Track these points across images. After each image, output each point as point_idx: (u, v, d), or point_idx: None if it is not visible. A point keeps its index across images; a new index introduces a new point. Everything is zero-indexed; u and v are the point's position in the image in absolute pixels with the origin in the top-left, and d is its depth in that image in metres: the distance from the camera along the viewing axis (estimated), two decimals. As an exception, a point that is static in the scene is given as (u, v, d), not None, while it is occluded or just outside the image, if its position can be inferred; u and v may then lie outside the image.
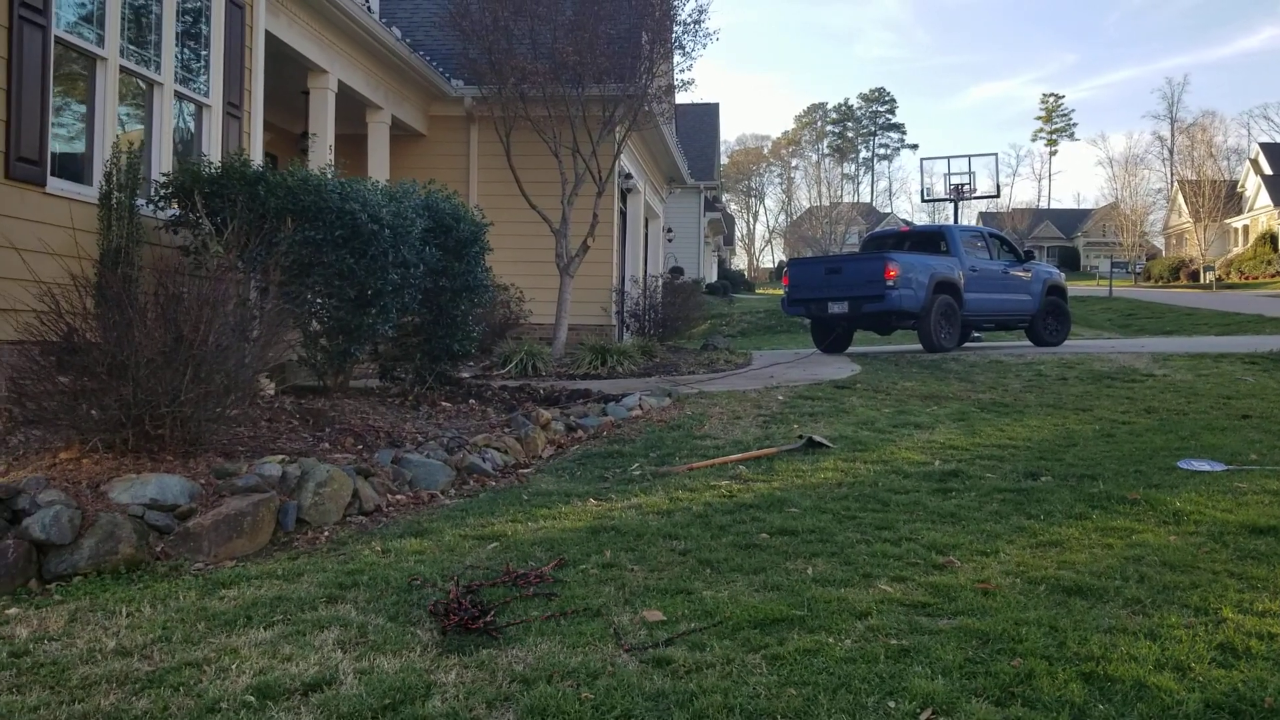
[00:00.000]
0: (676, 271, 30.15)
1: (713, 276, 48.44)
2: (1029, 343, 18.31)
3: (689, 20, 15.36)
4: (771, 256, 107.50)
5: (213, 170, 7.73)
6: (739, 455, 7.44)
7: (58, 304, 5.48)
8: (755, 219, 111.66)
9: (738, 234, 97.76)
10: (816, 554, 5.03)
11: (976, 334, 19.38)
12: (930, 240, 17.31)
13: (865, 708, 3.30)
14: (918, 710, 3.27)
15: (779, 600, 4.32)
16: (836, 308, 15.81)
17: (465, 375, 10.95)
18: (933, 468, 7.06)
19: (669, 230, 30.46)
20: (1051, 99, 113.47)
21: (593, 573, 4.79)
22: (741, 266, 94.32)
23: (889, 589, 4.48)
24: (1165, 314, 29.47)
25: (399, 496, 6.32)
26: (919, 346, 16.74)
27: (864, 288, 15.31)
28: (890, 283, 14.97)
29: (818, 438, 7.87)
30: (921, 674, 3.53)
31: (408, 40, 14.59)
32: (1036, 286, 17.59)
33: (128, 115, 8.23)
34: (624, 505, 6.08)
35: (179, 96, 8.69)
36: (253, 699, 3.51)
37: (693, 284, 26.86)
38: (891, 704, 3.32)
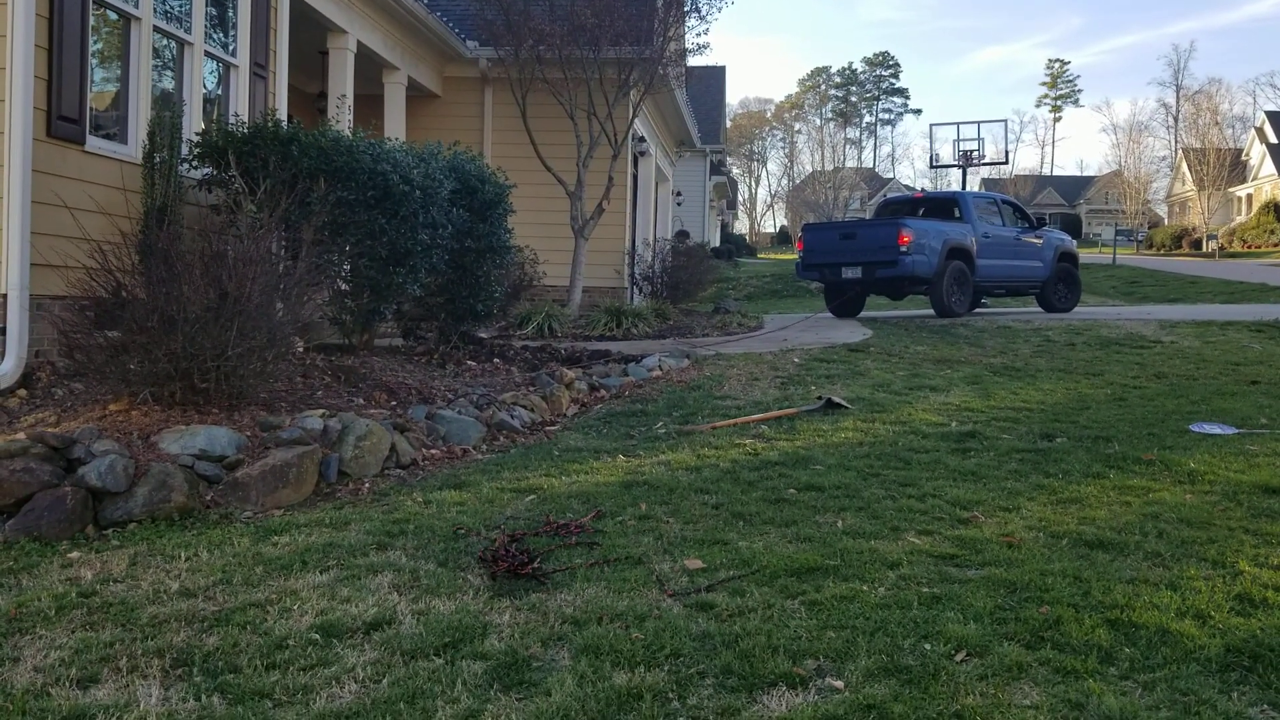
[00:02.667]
0: (682, 235, 30.21)
1: (717, 240, 48.48)
2: (1038, 309, 18.47)
3: (705, -17, 15.39)
4: (773, 221, 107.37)
5: (245, 130, 7.85)
6: (760, 415, 7.62)
7: (107, 259, 5.63)
8: (757, 183, 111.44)
9: (740, 198, 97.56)
10: (844, 508, 5.22)
11: (985, 300, 19.54)
12: (944, 206, 17.48)
13: (902, 649, 3.49)
14: (953, 652, 3.46)
15: (812, 551, 4.51)
16: (850, 272, 16.02)
17: (484, 335, 11.11)
18: (950, 428, 7.24)
19: (678, 194, 30.51)
20: (1057, 64, 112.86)
21: (630, 524, 4.97)
22: (743, 231, 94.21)
23: (917, 541, 4.67)
24: (1169, 282, 29.56)
25: (433, 451, 6.51)
26: (929, 311, 16.93)
27: (877, 253, 15.51)
28: (903, 248, 15.15)
29: (836, 399, 8.04)
30: (954, 619, 3.72)
31: (424, 0, 14.62)
32: (1048, 253, 17.76)
33: (159, 75, 8.33)
34: (653, 461, 6.26)
35: (209, 56, 8.79)
36: (318, 636, 3.70)
37: (701, 247, 26.97)
38: (927, 646, 3.51)
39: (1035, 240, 17.64)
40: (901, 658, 3.41)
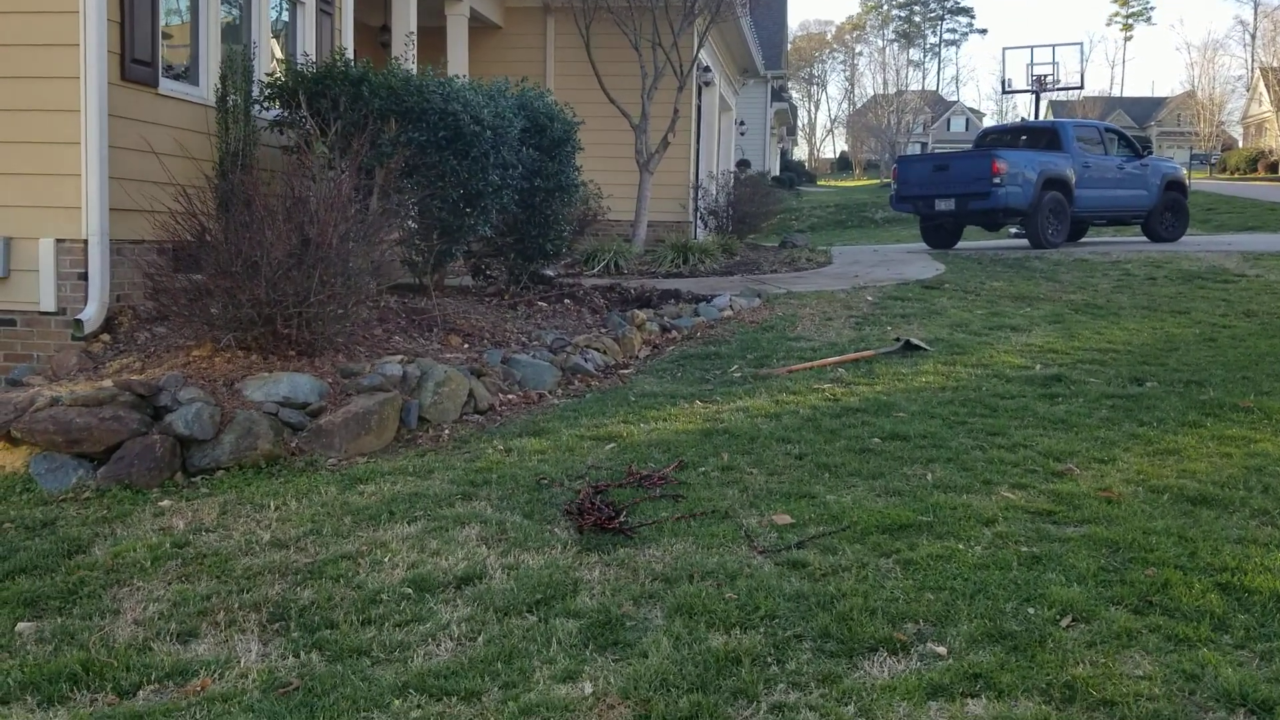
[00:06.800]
0: (744, 164, 29.74)
1: (777, 169, 47.71)
2: (1123, 238, 17.98)
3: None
4: (833, 146, 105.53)
5: (314, 70, 7.77)
6: (837, 358, 7.49)
7: (191, 203, 5.62)
8: (817, 108, 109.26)
9: (799, 123, 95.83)
10: (932, 459, 5.10)
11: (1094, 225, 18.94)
12: (1043, 136, 17.05)
13: (1004, 613, 3.40)
14: (1057, 617, 3.37)
15: (903, 506, 4.42)
16: (943, 205, 15.81)
17: (550, 273, 11.05)
18: (1034, 372, 7.06)
19: (742, 123, 29.98)
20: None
21: (713, 475, 4.91)
22: (802, 157, 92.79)
23: (1011, 496, 4.56)
24: (1247, 209, 28.60)
25: (510, 396, 6.49)
26: (1004, 243, 16.59)
27: (970, 185, 15.27)
28: (997, 179, 14.87)
29: (914, 340, 7.88)
30: (1056, 581, 3.62)
31: (485, -71, 14.35)
32: (1154, 181, 17.22)
33: (228, 14, 8.25)
34: (731, 408, 6.18)
35: (275, -7, 8.69)
36: (410, 590, 3.71)
37: (762, 177, 26.57)
38: (1030, 610, 3.42)
39: (1140, 169, 17.11)
40: (1004, 622, 3.33)
